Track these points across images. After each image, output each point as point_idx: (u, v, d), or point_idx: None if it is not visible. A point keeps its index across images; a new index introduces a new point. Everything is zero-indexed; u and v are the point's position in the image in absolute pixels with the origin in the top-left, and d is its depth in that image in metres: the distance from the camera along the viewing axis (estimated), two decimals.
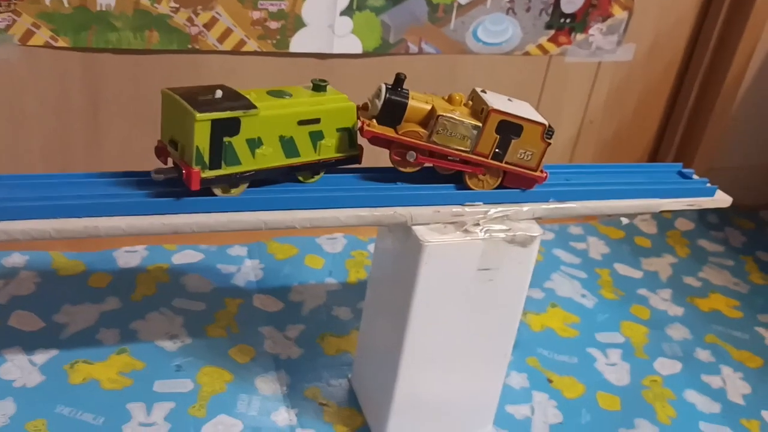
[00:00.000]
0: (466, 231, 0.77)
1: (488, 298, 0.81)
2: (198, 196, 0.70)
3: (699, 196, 0.88)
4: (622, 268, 1.32)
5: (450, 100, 0.77)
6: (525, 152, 0.77)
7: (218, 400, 0.90)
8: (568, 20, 1.31)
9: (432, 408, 0.87)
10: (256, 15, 1.11)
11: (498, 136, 0.75)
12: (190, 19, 1.09)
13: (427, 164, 0.77)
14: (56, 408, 0.86)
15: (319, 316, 1.08)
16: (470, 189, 0.78)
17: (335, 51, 1.18)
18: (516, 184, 0.79)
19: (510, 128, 0.75)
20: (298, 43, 1.15)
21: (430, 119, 0.74)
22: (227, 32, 1.11)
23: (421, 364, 0.82)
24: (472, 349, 0.84)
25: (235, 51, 1.13)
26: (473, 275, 0.78)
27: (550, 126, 0.76)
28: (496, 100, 0.76)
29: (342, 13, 1.15)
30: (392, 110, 0.74)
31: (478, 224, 0.77)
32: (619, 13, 1.34)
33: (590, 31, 1.33)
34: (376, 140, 0.74)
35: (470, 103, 0.78)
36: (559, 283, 1.25)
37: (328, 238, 1.27)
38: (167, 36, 1.09)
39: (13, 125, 1.10)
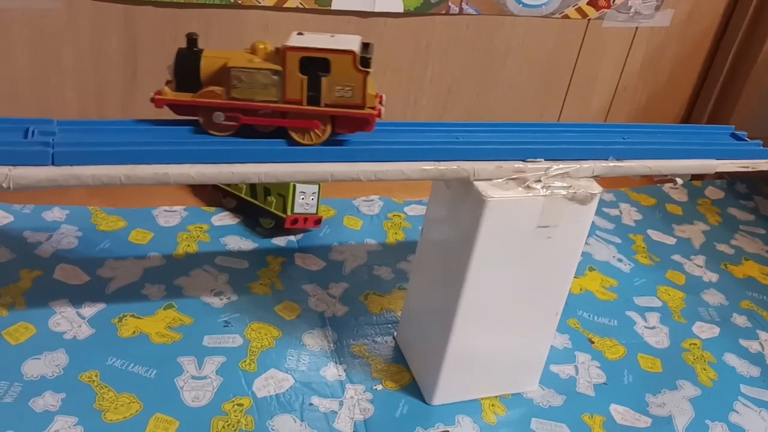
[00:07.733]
0: (528, 187, 0.76)
1: (545, 255, 0.80)
2: (265, 147, 0.69)
3: (755, 158, 0.88)
4: (655, 234, 1.32)
5: (253, 49, 0.69)
6: (343, 88, 0.67)
7: (268, 355, 0.91)
8: None
9: (482, 366, 0.87)
10: None
11: (305, 77, 0.67)
12: None
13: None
14: (108, 360, 0.86)
15: (361, 275, 1.08)
16: (299, 144, 0.70)
17: (377, 9, 1.16)
18: (349, 128, 0.70)
19: (315, 64, 0.66)
20: (341, 0, 1.14)
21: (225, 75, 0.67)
22: None
23: (474, 321, 0.82)
24: (526, 307, 0.84)
25: (277, 7, 1.11)
26: (532, 232, 0.78)
27: (365, 52, 0.67)
28: (305, 40, 0.67)
29: None
30: (185, 73, 0.68)
31: (539, 180, 0.77)
32: None
33: None
34: (176, 108, 0.68)
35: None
36: (596, 247, 1.24)
37: (364, 200, 1.26)
38: None
39: (51, 74, 1.09)
